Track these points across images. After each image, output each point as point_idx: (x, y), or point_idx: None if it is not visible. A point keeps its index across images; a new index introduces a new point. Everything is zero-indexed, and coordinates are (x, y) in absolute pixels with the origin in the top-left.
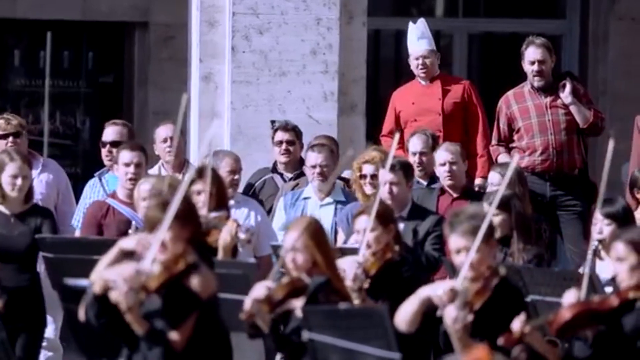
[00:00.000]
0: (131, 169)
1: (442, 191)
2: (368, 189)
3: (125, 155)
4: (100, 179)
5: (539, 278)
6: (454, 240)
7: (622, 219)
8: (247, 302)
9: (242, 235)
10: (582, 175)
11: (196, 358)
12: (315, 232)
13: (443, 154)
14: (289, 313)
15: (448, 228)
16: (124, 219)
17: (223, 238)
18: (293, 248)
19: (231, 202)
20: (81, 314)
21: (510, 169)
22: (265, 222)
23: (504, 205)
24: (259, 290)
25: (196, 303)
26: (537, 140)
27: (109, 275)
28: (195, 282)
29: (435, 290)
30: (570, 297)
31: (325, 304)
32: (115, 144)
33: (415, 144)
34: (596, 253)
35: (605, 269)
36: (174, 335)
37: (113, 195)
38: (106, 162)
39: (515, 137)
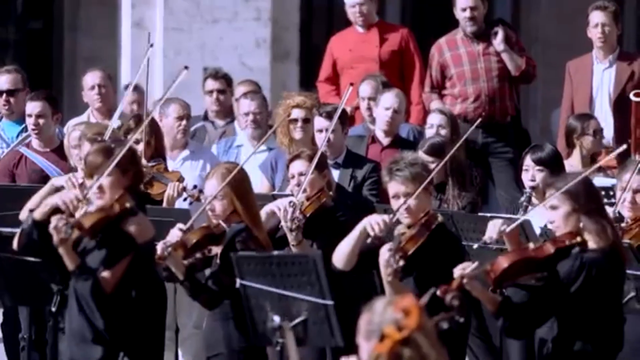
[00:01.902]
0: (32, 120)
1: (373, 139)
2: (298, 134)
3: (28, 106)
4: None
5: (472, 224)
6: (393, 186)
7: (552, 165)
8: (159, 246)
9: (185, 194)
10: (514, 122)
11: (126, 301)
12: (234, 179)
13: (391, 99)
14: (211, 259)
15: (387, 174)
16: (37, 168)
17: (168, 194)
18: (212, 195)
19: (186, 152)
20: (15, 243)
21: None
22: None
23: (439, 152)
24: (173, 234)
25: (130, 246)
26: (469, 87)
27: (52, 200)
28: (131, 226)
29: (369, 220)
30: (495, 224)
31: (243, 251)
32: (10, 92)
33: (365, 89)
34: (529, 200)
35: (537, 215)
36: (104, 274)
37: (28, 145)
38: (3, 110)
39: (448, 84)
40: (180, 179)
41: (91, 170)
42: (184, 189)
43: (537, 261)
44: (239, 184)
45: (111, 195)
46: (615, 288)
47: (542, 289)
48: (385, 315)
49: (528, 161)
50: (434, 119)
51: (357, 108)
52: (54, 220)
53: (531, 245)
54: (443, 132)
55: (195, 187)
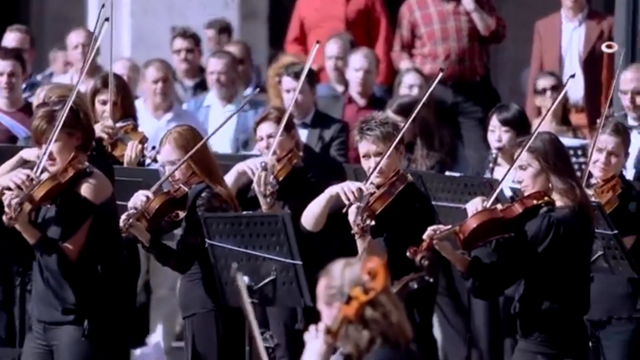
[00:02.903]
0: (4, 78)
1: (349, 100)
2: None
3: None
4: None
5: (441, 184)
6: (364, 145)
7: (518, 125)
8: (123, 216)
9: (147, 153)
10: (484, 82)
11: (91, 266)
12: (186, 141)
13: (360, 60)
14: (178, 223)
15: (358, 134)
16: (2, 128)
17: (127, 154)
18: (168, 162)
19: (170, 114)
20: None
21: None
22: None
23: (408, 111)
24: (136, 199)
25: (89, 209)
26: (439, 47)
27: (2, 181)
28: (86, 188)
29: (343, 187)
30: (475, 203)
31: (209, 210)
32: None
33: (332, 49)
34: (495, 160)
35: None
36: (67, 244)
37: None
38: None
39: (418, 43)
40: (143, 140)
41: (37, 137)
42: (142, 150)
43: (506, 221)
44: (192, 144)
45: (62, 160)
46: (582, 247)
47: (511, 249)
48: (346, 278)
49: (494, 122)
50: (410, 79)
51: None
52: (4, 199)
53: (499, 205)
54: (418, 91)
55: (154, 148)
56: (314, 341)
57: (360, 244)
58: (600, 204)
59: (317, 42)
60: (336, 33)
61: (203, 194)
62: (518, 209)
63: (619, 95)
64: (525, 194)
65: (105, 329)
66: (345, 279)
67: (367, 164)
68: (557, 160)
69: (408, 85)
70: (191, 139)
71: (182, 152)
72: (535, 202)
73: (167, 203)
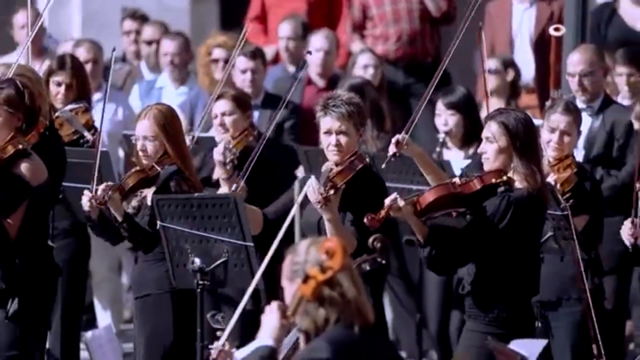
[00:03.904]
0: None
1: (309, 81)
2: (219, 74)
3: None
4: None
5: (391, 165)
6: (327, 121)
7: (464, 108)
8: (100, 189)
9: (86, 134)
10: (435, 64)
11: (27, 247)
12: (166, 120)
13: (320, 41)
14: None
15: (322, 109)
16: None
17: (68, 134)
18: (143, 136)
19: (99, 94)
20: None
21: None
22: (132, 115)
23: (358, 92)
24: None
25: (26, 190)
26: (390, 28)
27: None
28: (24, 169)
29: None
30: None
31: (178, 193)
32: None
33: (285, 29)
34: (443, 144)
35: (453, 157)
36: (8, 221)
37: None
38: None
39: (369, 25)
40: (88, 123)
41: None
42: (76, 132)
43: (463, 197)
44: (170, 125)
45: (1, 139)
46: (535, 230)
47: (469, 224)
48: (309, 256)
49: (440, 105)
50: (364, 59)
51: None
52: None
53: (457, 180)
54: (373, 71)
55: (95, 131)
56: (270, 317)
57: (325, 215)
58: (552, 185)
59: (246, 28)
60: (289, 14)
61: (176, 177)
62: (477, 185)
63: (567, 78)
64: (485, 166)
65: (32, 313)
66: (307, 257)
67: (327, 140)
68: (525, 141)
69: (362, 66)
70: (170, 118)
71: (159, 130)
72: (494, 180)
73: (141, 181)
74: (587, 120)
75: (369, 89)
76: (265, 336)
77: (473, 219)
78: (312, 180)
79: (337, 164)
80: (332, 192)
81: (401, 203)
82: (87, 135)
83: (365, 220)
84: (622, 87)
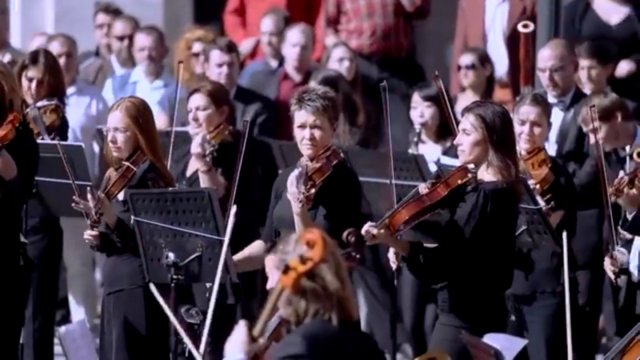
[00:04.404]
0: None
1: (285, 76)
2: (199, 68)
3: None
4: None
5: (367, 159)
6: (302, 115)
7: (440, 101)
8: (92, 209)
9: (45, 138)
10: (409, 58)
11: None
12: (138, 113)
13: (297, 36)
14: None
15: (296, 103)
16: None
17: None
18: (114, 128)
19: (72, 88)
20: None
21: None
22: (107, 110)
23: (331, 85)
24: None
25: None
26: (364, 23)
27: None
28: None
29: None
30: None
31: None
32: None
33: (267, 24)
34: (419, 136)
35: (428, 151)
36: None
37: None
38: None
39: (343, 19)
40: (53, 124)
41: None
42: (38, 133)
43: (433, 206)
44: (142, 118)
45: None
46: (508, 224)
47: (450, 229)
48: (292, 247)
49: (416, 97)
50: (339, 52)
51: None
52: None
53: (423, 188)
54: (348, 65)
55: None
56: (237, 332)
57: (298, 210)
58: (525, 180)
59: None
60: (271, 8)
61: (152, 173)
62: (443, 191)
63: (538, 73)
64: (460, 158)
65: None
66: (292, 248)
67: (301, 134)
68: (501, 135)
69: (338, 59)
70: (143, 111)
71: (131, 122)
72: (460, 181)
73: (122, 188)
74: (559, 115)
75: (342, 82)
76: (235, 351)
77: (452, 223)
78: (292, 177)
79: (312, 159)
80: (313, 190)
81: (374, 231)
82: (47, 139)
83: (345, 235)
84: (585, 80)
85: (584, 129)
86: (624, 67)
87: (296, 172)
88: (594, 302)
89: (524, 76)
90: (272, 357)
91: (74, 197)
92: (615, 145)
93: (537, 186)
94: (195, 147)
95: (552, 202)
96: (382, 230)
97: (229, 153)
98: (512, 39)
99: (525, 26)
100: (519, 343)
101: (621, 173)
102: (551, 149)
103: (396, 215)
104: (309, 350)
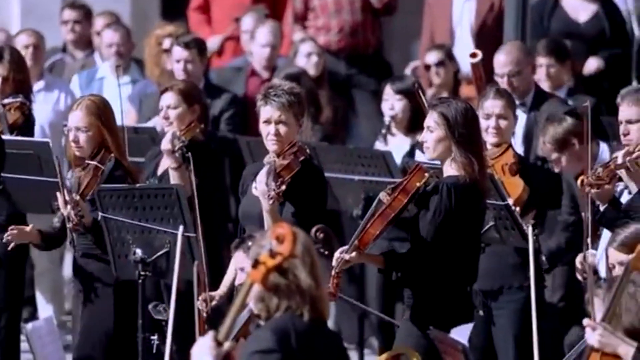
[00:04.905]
0: None
1: (253, 72)
2: (171, 64)
3: None
4: None
5: (334, 155)
6: (268, 111)
7: (411, 95)
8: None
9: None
10: (376, 54)
11: None
12: (99, 111)
13: (266, 36)
14: None
15: (263, 99)
16: None
17: None
18: (76, 127)
19: (41, 83)
20: None
21: None
22: None
23: (294, 81)
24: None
25: None
26: (332, 19)
27: None
28: None
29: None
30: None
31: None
32: None
33: (248, 22)
34: (389, 128)
35: (397, 143)
36: None
37: None
38: None
39: (311, 16)
40: (16, 122)
41: None
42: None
43: (396, 215)
44: (105, 116)
45: None
46: (473, 219)
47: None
48: (264, 242)
49: (388, 90)
50: (307, 47)
51: (228, 39)
52: None
53: (384, 198)
54: (316, 60)
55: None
56: (203, 341)
57: (267, 207)
58: (493, 175)
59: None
60: (252, 7)
61: (119, 170)
62: (404, 197)
63: (496, 79)
64: (426, 154)
65: None
66: (264, 242)
67: (266, 130)
68: (464, 132)
69: (306, 54)
70: (104, 109)
71: (93, 121)
72: (418, 184)
73: (96, 186)
74: (522, 117)
75: (305, 78)
76: (203, 355)
77: (420, 222)
78: (262, 174)
79: (278, 155)
80: (283, 187)
81: (347, 256)
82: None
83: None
84: (543, 78)
85: (540, 152)
86: (592, 64)
87: (265, 169)
88: (571, 298)
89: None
90: (243, 352)
91: (55, 202)
92: (579, 168)
93: (518, 209)
94: (165, 144)
95: (536, 230)
96: (354, 254)
97: (199, 151)
98: (480, 35)
99: (473, 56)
100: (466, 328)
101: (596, 166)
102: (517, 150)
103: (364, 236)
104: (279, 345)
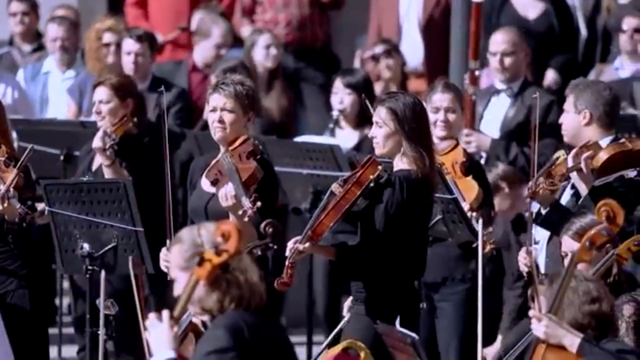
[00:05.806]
0: None
1: (194, 67)
2: (111, 58)
3: None
4: None
5: (283, 149)
6: (215, 99)
7: (361, 89)
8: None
9: None
10: (324, 48)
11: None
12: None
13: (219, 38)
14: None
15: (212, 87)
16: None
17: None
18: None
19: None
20: None
21: None
22: (23, 99)
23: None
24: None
25: None
26: (280, 14)
27: None
28: None
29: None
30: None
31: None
32: None
33: (200, 19)
34: (337, 122)
35: (345, 137)
36: None
37: None
38: None
39: (259, 10)
40: None
41: None
42: None
43: (349, 206)
44: None
45: None
46: (422, 213)
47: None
48: (204, 239)
49: (338, 84)
50: (265, 39)
51: (169, 42)
52: None
53: (337, 190)
54: (275, 52)
55: None
56: (161, 328)
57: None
58: (440, 170)
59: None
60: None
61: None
62: (357, 189)
63: (489, 57)
64: (376, 150)
65: None
66: (203, 240)
67: (212, 117)
68: (413, 126)
69: (265, 46)
70: None
71: None
72: (371, 176)
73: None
74: (505, 101)
75: (243, 72)
76: (164, 348)
77: (371, 216)
78: (229, 188)
79: (227, 144)
80: (259, 203)
81: (300, 247)
82: None
83: (275, 286)
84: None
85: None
86: (550, 77)
87: (230, 188)
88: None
89: (472, 49)
90: (198, 352)
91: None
92: (515, 212)
93: (473, 214)
94: (96, 141)
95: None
96: (307, 244)
97: (133, 145)
98: (428, 29)
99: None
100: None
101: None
102: (495, 133)
103: (318, 227)
104: (233, 343)
